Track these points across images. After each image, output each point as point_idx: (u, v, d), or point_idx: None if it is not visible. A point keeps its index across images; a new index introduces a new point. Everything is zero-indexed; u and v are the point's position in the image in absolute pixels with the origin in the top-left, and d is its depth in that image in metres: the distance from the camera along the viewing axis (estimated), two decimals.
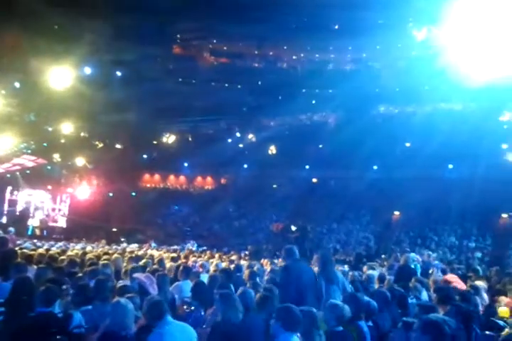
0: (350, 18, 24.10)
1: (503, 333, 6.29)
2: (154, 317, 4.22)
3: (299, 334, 3.77)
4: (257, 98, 29.28)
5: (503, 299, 8.66)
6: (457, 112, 27.20)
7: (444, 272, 10.44)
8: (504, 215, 26.19)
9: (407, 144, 29.00)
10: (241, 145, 32.44)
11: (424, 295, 7.16)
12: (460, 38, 13.14)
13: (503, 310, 8.05)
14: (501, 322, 7.03)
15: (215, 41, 31.90)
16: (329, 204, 30.18)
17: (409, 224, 28.32)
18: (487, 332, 6.54)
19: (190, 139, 32.85)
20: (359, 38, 26.09)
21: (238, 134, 32.43)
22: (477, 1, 11.15)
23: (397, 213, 29.60)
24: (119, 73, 24.28)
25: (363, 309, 4.69)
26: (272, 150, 31.44)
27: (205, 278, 7.53)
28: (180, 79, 30.66)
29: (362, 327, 4.56)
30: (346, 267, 12.54)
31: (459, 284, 8.92)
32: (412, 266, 9.52)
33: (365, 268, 11.23)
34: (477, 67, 19.32)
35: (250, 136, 32.40)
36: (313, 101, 32.04)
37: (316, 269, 6.63)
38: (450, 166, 28.63)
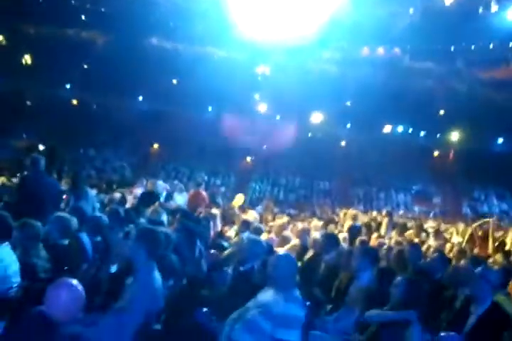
0: None
1: (225, 252, 7.16)
2: None
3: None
4: None
5: (229, 228, 9.88)
6: (222, 58, 28.45)
7: None
8: (248, 158, 29.26)
9: (174, 81, 29.22)
10: None
11: (164, 218, 7.48)
12: None
13: (231, 234, 9.18)
14: (226, 244, 7.98)
15: None
16: (89, 130, 28.70)
17: (166, 157, 29.24)
18: (212, 251, 7.32)
19: None
20: None
21: None
22: None
23: (155, 146, 30.12)
24: None
25: (84, 221, 4.62)
26: (27, 59, 27.60)
27: None
28: None
29: (82, 238, 4.48)
30: (95, 191, 12.25)
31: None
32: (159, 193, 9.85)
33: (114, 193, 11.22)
34: (247, 18, 20.60)
35: (0, 37, 27.65)
36: (83, 17, 29.16)
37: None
38: (210, 108, 30.18)
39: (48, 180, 5.97)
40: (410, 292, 3.46)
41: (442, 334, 3.27)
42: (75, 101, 30.15)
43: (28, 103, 29.39)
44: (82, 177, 7.07)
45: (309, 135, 30.59)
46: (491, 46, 27.73)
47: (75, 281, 2.57)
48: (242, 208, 13.78)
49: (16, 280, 3.24)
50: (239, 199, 12.45)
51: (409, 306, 3.38)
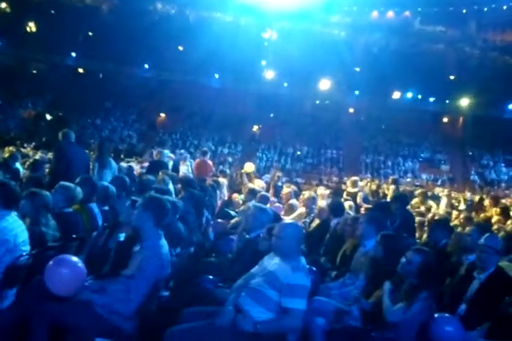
0: None
1: (232, 221, 7.25)
2: None
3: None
4: None
5: (237, 196, 9.95)
6: (228, 23, 27.87)
7: None
8: (255, 126, 29.08)
9: (180, 48, 28.79)
10: None
11: (171, 187, 7.54)
12: None
13: (238, 202, 9.25)
14: (233, 213, 8.09)
15: None
16: (95, 99, 28.62)
17: (173, 126, 29.18)
18: (219, 220, 7.42)
19: None
20: None
21: None
22: None
23: (162, 115, 30.01)
24: None
25: (95, 191, 4.67)
26: (31, 27, 27.21)
27: None
28: None
29: (92, 208, 4.54)
30: None
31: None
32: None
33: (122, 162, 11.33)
34: None
35: (3, 5, 27.20)
36: None
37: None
38: (216, 76, 29.81)
39: (79, 149, 6.59)
40: (424, 271, 3.43)
41: (436, 315, 3.28)
42: (80, 70, 29.93)
43: (34, 72, 29.24)
44: (106, 147, 7.46)
45: (317, 102, 30.29)
46: (504, 8, 26.86)
47: (75, 258, 2.58)
48: (249, 177, 13.86)
49: (26, 248, 3.31)
50: (249, 167, 12.37)
51: (422, 283, 3.40)
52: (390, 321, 3.40)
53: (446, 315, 3.33)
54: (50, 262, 2.64)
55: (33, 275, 3.23)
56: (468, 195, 14.92)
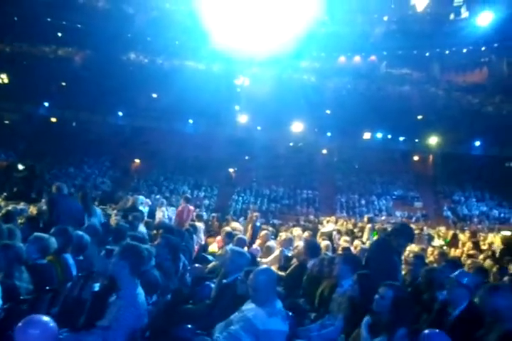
0: None
1: (209, 265, 7.20)
2: None
3: None
4: None
5: (215, 239, 9.95)
6: (201, 71, 28.58)
7: None
8: (231, 170, 29.23)
9: (154, 95, 29.24)
10: None
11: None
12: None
13: (212, 247, 9.24)
14: (210, 257, 8.05)
15: None
16: (68, 147, 28.48)
17: (148, 172, 29.07)
18: (196, 265, 7.35)
19: None
20: None
21: None
22: None
23: (137, 161, 29.96)
24: None
25: (70, 242, 4.61)
26: (3, 78, 27.40)
27: None
28: None
29: (67, 259, 4.48)
30: None
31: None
32: (141, 208, 9.87)
33: None
34: (222, 32, 21.00)
35: None
36: (60, 34, 29.20)
37: None
38: (190, 121, 30.21)
39: (71, 200, 7.06)
40: (398, 305, 3.43)
41: (426, 331, 3.26)
42: (53, 119, 29.95)
43: (6, 122, 29.11)
44: (89, 197, 7.94)
45: (290, 144, 30.80)
46: (465, 51, 28.39)
47: (46, 318, 2.56)
48: (227, 221, 13.84)
49: None
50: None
51: (398, 317, 3.40)
52: None
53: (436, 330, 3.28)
54: (20, 323, 2.60)
55: (5, 330, 3.14)
56: (425, 228, 15.27)
